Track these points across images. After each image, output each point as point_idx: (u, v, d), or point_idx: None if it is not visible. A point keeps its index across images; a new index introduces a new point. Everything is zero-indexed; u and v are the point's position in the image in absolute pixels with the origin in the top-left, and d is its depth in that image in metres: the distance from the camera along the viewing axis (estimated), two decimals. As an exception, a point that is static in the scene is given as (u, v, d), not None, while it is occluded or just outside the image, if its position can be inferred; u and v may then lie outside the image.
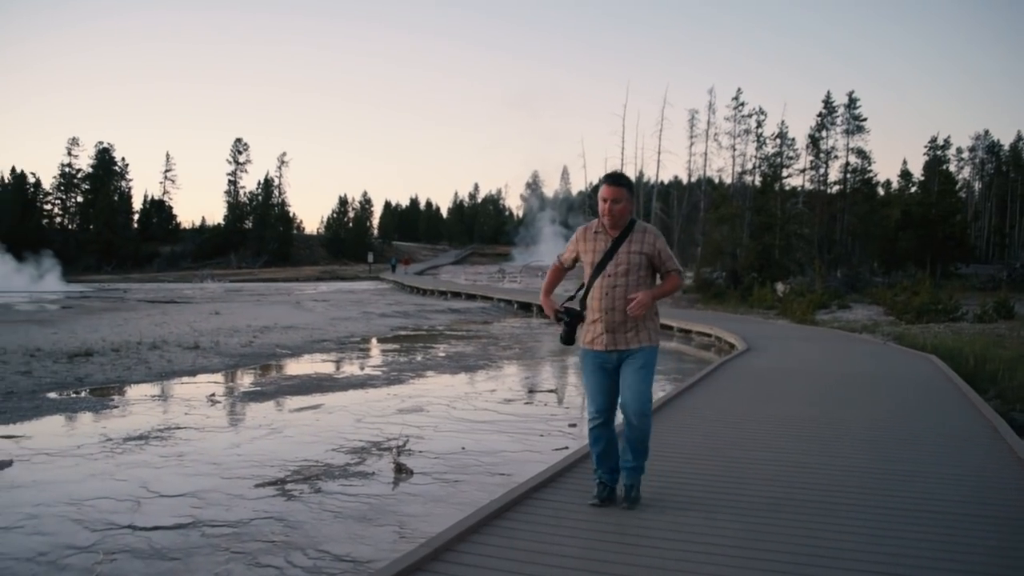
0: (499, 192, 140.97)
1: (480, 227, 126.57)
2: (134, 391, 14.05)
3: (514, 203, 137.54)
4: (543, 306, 5.85)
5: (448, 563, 4.58)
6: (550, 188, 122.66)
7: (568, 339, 5.69)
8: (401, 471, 8.62)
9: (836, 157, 52.79)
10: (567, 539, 4.97)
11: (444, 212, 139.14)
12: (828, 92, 52.95)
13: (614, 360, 5.51)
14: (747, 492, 6.17)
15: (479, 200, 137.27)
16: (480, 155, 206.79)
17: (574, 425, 11.09)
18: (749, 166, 53.11)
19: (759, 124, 52.32)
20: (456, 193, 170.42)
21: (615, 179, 5.53)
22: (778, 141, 52.00)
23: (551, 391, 15.13)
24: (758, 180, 51.82)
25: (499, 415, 12.14)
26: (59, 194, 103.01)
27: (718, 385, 12.20)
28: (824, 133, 52.68)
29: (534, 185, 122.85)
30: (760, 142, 52.48)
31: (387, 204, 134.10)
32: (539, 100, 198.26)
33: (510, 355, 20.97)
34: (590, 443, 5.68)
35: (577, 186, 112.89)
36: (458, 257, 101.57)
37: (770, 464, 7.14)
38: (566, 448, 9.31)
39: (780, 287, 38.62)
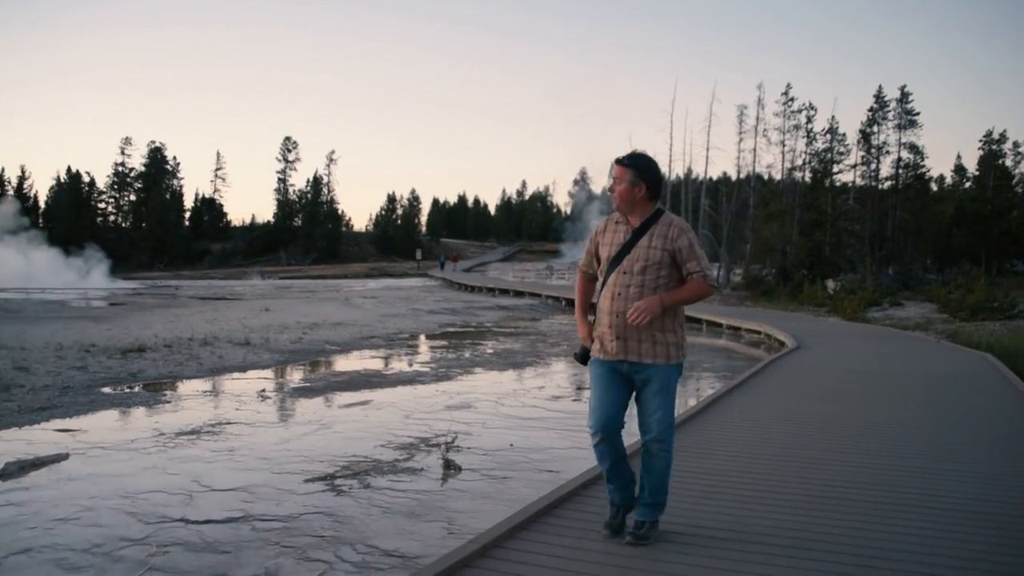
0: (547, 189, 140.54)
1: (528, 224, 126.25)
2: (186, 386, 14.22)
3: (562, 200, 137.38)
4: (579, 329, 5.13)
5: (497, 559, 4.58)
6: (598, 185, 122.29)
7: (585, 358, 5.02)
8: (450, 467, 8.64)
9: (888, 152, 51.97)
10: (615, 539, 4.95)
11: (492, 209, 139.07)
12: (880, 86, 52.22)
13: (625, 370, 4.79)
14: (796, 490, 6.12)
15: (527, 197, 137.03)
16: (528, 152, 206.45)
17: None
18: (799, 162, 52.53)
19: (809, 119, 51.72)
20: (504, 190, 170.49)
21: (621, 159, 4.88)
22: (828, 136, 51.33)
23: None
24: (808, 176, 51.18)
25: (547, 412, 12.13)
26: (113, 193, 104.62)
27: (768, 383, 12.09)
28: (875, 128, 51.87)
29: (582, 181, 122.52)
30: (810, 138, 51.87)
31: (435, 201, 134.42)
32: (587, 97, 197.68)
33: (558, 352, 20.93)
34: (596, 460, 4.96)
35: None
36: (506, 254, 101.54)
37: (819, 463, 7.06)
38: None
39: (831, 284, 38.17)
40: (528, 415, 11.83)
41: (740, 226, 53.83)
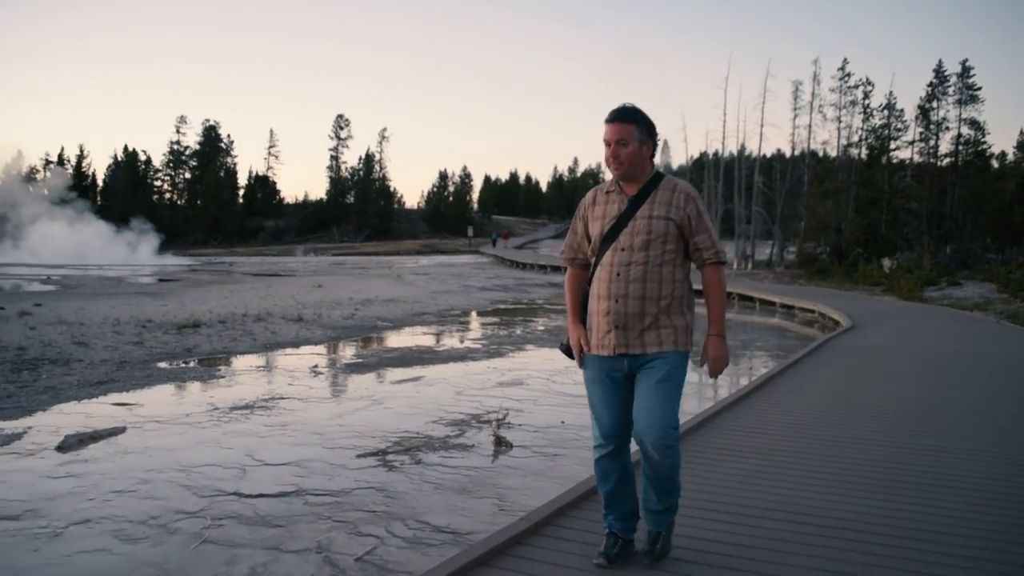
0: (599, 166, 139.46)
1: (579, 201, 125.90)
2: (239, 362, 14.37)
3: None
4: (570, 334, 4.34)
5: (548, 537, 4.56)
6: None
7: (571, 351, 4.34)
8: (501, 444, 8.64)
9: (947, 128, 50.92)
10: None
11: (543, 186, 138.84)
12: (940, 61, 51.19)
13: (624, 367, 4.06)
14: (847, 470, 6.04)
15: (578, 174, 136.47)
16: (579, 129, 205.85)
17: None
18: (855, 139, 51.72)
19: (866, 95, 50.81)
20: (556, 167, 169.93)
21: (618, 114, 4.03)
22: (886, 112, 50.37)
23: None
24: (864, 153, 50.35)
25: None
26: (168, 171, 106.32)
27: (821, 363, 11.95)
28: (935, 104, 50.84)
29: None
30: (867, 114, 50.94)
31: (487, 178, 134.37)
32: (639, 73, 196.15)
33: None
34: (596, 479, 4.27)
35: (678, 160, 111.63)
36: (557, 231, 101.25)
37: (873, 443, 6.96)
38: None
39: (886, 263, 37.61)
40: (579, 392, 11.76)
41: (794, 204, 53.21)
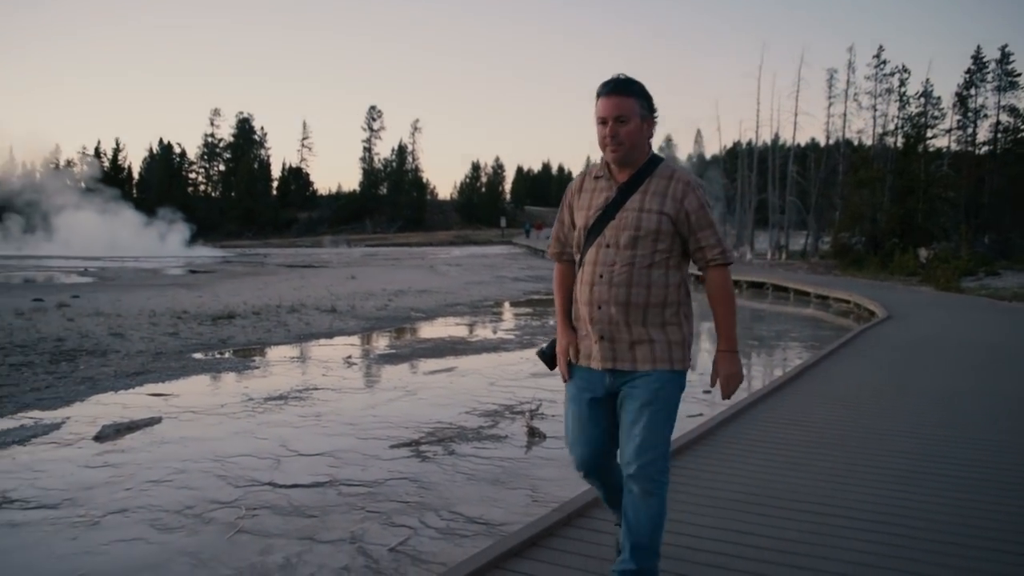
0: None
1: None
2: (274, 352, 14.45)
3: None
4: (559, 338, 3.68)
5: (581, 529, 4.55)
6: (683, 152, 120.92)
7: (552, 358, 3.76)
8: (534, 435, 8.63)
9: (986, 116, 50.39)
10: (704, 507, 4.88)
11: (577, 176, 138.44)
12: (978, 47, 50.65)
13: (606, 384, 3.48)
14: (886, 464, 5.97)
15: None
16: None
17: (708, 391, 10.91)
18: (891, 127, 51.24)
19: (902, 83, 50.30)
20: (588, 157, 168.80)
21: (616, 85, 3.38)
22: (922, 100, 49.85)
23: (684, 357, 14.90)
24: (900, 141, 49.82)
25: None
26: (203, 163, 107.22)
27: (857, 354, 11.85)
28: (972, 91, 50.33)
29: (666, 148, 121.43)
30: (903, 102, 50.45)
31: (519, 169, 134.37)
32: (673, 61, 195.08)
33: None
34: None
35: (711, 149, 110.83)
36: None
37: (910, 436, 6.89)
38: (700, 415, 9.16)
39: (923, 253, 37.21)
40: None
41: (829, 193, 52.81)
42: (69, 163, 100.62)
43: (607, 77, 3.45)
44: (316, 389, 11.13)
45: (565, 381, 3.67)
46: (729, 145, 77.48)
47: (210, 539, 5.73)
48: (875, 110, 51.68)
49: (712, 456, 6.10)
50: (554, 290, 3.78)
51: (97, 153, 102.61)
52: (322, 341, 15.86)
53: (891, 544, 4.32)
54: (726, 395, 3.48)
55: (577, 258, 3.58)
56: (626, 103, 3.36)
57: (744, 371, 3.69)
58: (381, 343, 16.09)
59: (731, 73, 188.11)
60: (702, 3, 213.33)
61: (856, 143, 55.04)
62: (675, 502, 4.91)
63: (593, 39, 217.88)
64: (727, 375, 3.42)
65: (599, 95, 3.42)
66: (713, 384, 3.49)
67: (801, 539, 4.39)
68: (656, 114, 3.50)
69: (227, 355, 13.97)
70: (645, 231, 3.35)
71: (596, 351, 3.46)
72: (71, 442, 8.31)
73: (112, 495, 6.67)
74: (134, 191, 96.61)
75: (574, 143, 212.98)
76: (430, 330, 18.23)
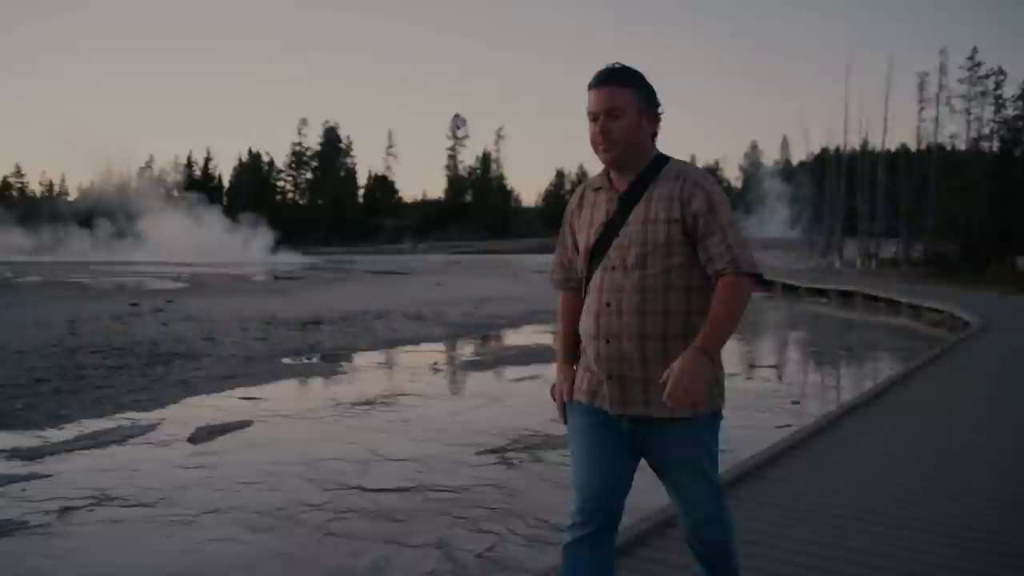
0: (716, 163, 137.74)
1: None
2: (360, 358, 14.64)
3: (732, 174, 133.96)
4: (557, 375, 3.17)
5: (670, 539, 4.51)
6: (769, 157, 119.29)
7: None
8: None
9: (1088, 119, 48.77)
10: (792, 523, 4.78)
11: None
12: (1079, 49, 49.11)
13: (624, 427, 2.86)
14: (985, 486, 5.80)
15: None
16: (701, 124, 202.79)
17: (797, 402, 10.75)
18: (986, 131, 49.85)
19: (998, 85, 48.76)
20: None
21: (607, 75, 2.86)
22: (1020, 103, 48.47)
23: (772, 367, 14.74)
24: (996, 146, 48.50)
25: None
26: (290, 172, 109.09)
27: (951, 366, 11.55)
28: (1074, 93, 48.74)
29: (752, 155, 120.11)
30: (999, 105, 49.00)
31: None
32: (757, 67, 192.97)
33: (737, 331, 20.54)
34: (562, 569, 2.99)
35: (798, 156, 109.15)
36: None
37: (1013, 454, 6.68)
38: (789, 426, 9.03)
39: (1021, 262, 36.16)
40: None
41: (921, 200, 51.61)
42: (162, 172, 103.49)
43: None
44: (403, 395, 11.24)
45: (563, 423, 3.14)
46: (816, 151, 76.15)
47: (301, 541, 5.83)
48: (968, 114, 50.22)
49: (801, 469, 5.98)
50: (558, 322, 3.23)
51: (189, 163, 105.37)
52: (408, 347, 16.03)
53: (994, 563, 4.20)
54: (671, 397, 2.57)
55: (584, 285, 3.00)
56: (618, 95, 2.83)
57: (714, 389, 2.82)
58: (466, 350, 16.19)
59: (819, 78, 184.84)
60: (789, 6, 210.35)
61: (949, 148, 53.68)
62: (760, 517, 4.85)
63: (675, 45, 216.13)
64: (682, 371, 2.56)
65: (589, 87, 2.90)
66: (664, 379, 2.61)
67: (897, 561, 4.27)
68: (660, 108, 2.95)
69: (315, 360, 14.19)
70: (653, 245, 2.78)
71: (606, 392, 2.86)
72: (166, 443, 8.53)
73: (206, 495, 6.82)
74: (224, 199, 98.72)
75: (663, 149, 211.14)
76: (515, 337, 18.27)
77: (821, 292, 29.77)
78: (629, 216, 2.83)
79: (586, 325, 2.91)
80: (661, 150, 2.97)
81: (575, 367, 3.07)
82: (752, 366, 14.56)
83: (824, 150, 67.39)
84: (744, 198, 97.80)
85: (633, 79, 2.85)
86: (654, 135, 2.94)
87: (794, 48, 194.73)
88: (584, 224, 2.97)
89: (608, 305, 2.81)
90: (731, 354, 16.09)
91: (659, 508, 4.87)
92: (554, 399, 3.17)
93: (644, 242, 2.78)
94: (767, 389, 12.08)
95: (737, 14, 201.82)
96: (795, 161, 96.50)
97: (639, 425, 2.83)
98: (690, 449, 2.83)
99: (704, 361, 2.61)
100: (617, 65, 2.88)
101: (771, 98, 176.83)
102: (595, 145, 2.88)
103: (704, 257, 2.76)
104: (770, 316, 23.58)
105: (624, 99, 2.81)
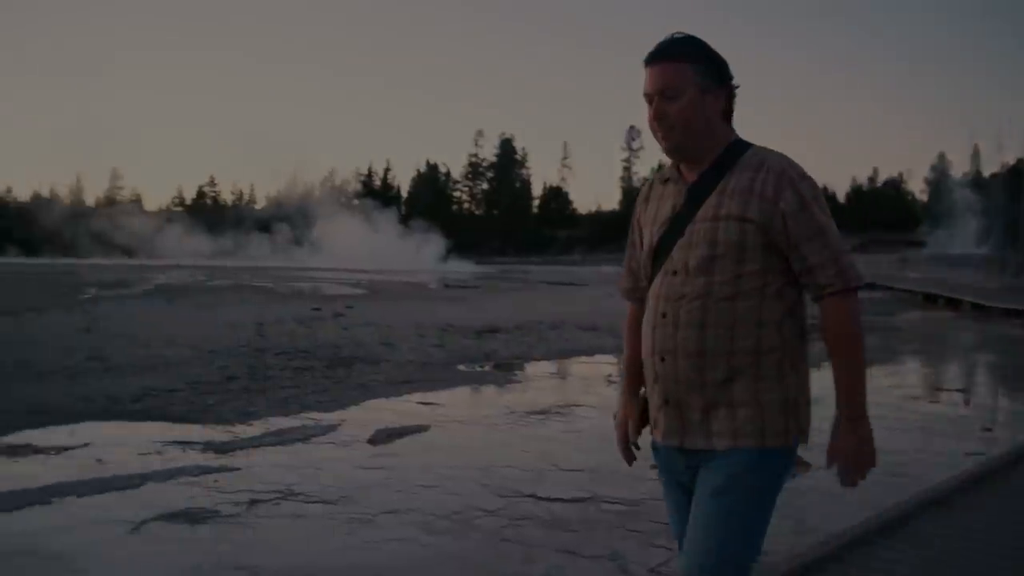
0: (900, 176, 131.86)
1: (879, 213, 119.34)
2: (534, 367, 14.77)
3: (917, 187, 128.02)
4: (619, 407, 2.97)
5: (848, 564, 4.37)
6: (959, 169, 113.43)
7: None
8: (799, 464, 8.34)
9: None
10: (992, 555, 4.54)
11: (841, 197, 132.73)
12: None
13: (681, 466, 2.57)
14: None
15: (879, 184, 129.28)
16: (880, 134, 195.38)
17: (989, 429, 10.23)
18: None
19: None
20: (854, 178, 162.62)
21: (663, 50, 2.43)
22: None
23: (960, 390, 14.07)
24: None
25: (899, 411, 11.43)
26: (467, 182, 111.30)
27: None
28: None
29: (940, 166, 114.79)
30: None
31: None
32: (945, 77, 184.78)
33: (912, 349, 19.78)
34: None
35: (989, 168, 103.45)
36: (854, 245, 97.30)
37: None
38: (980, 454, 8.60)
39: None
40: (878, 413, 11.15)
41: None
42: (343, 183, 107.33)
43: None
44: (577, 405, 11.27)
45: (627, 463, 2.87)
46: (1011, 162, 72.11)
47: (476, 545, 5.92)
48: None
49: (991, 502, 5.69)
50: (624, 336, 2.87)
51: (369, 173, 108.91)
52: (582, 358, 16.07)
53: None
54: (847, 481, 2.49)
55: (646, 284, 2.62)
56: (673, 71, 2.39)
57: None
58: (639, 362, 16.09)
59: (1014, 84, 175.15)
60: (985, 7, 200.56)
61: None
62: (955, 547, 4.65)
63: (855, 58, 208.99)
64: (848, 451, 2.46)
65: (645, 64, 2.45)
66: (829, 464, 2.51)
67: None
68: (734, 82, 2.51)
69: (489, 368, 14.40)
70: (724, 247, 2.35)
71: (662, 422, 2.52)
72: (347, 443, 8.82)
73: (385, 495, 7.01)
74: (402, 208, 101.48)
75: (837, 161, 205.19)
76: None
77: (1018, 314, 28.12)
78: (699, 211, 2.41)
79: (648, 335, 2.52)
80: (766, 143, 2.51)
81: (643, 393, 2.69)
82: (937, 388, 13.93)
83: (1020, 160, 64.04)
84: (930, 211, 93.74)
85: (690, 52, 2.42)
86: (728, 114, 2.52)
87: (988, 55, 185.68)
88: (649, 220, 2.60)
89: (664, 316, 2.42)
90: (914, 376, 15.47)
91: (836, 533, 4.75)
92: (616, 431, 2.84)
93: (713, 242, 2.36)
94: (953, 414, 11.52)
95: (928, 12, 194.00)
96: (986, 173, 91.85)
97: (694, 457, 2.48)
98: (729, 481, 2.41)
99: (861, 427, 2.48)
100: (677, 35, 2.45)
101: (961, 108, 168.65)
102: (653, 131, 2.48)
103: (799, 266, 2.37)
104: (958, 337, 22.51)
105: (680, 76, 2.38)
